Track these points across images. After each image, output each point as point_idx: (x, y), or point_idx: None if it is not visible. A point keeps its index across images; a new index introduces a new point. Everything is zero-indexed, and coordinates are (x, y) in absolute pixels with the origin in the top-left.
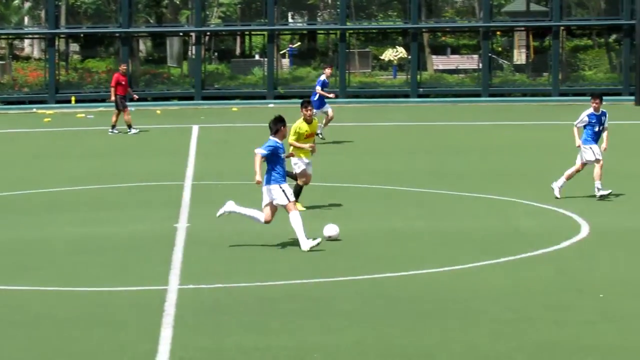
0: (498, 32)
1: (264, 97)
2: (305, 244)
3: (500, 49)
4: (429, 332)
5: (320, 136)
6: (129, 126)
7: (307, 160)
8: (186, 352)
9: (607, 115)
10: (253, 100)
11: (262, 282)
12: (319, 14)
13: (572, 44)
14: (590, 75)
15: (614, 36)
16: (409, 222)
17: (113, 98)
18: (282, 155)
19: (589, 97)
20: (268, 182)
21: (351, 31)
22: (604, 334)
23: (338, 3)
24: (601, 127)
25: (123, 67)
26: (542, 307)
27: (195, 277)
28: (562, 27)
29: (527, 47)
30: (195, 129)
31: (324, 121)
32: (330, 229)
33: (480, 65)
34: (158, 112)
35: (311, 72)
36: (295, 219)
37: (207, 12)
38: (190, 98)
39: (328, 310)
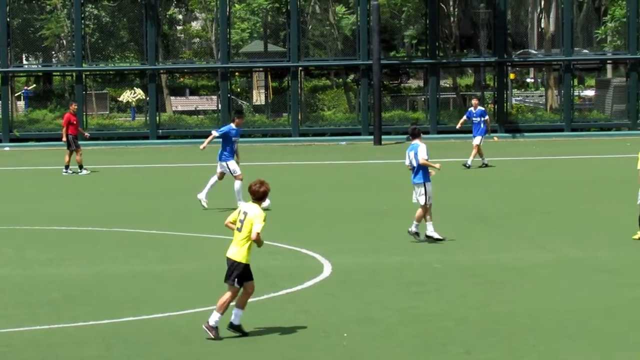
0: (237, 73)
1: None
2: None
3: (239, 89)
4: None
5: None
6: (80, 167)
7: None
8: None
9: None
10: None
11: (1, 329)
12: (55, 56)
13: (311, 84)
14: (329, 115)
15: (351, 76)
16: (148, 265)
17: (65, 139)
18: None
19: (331, 137)
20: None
21: (88, 73)
22: None
23: (74, 45)
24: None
25: (74, 107)
26: (286, 347)
27: None
28: (300, 68)
29: (266, 87)
30: None
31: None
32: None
33: (220, 106)
34: None
35: (47, 114)
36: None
37: None
38: None
39: (72, 357)
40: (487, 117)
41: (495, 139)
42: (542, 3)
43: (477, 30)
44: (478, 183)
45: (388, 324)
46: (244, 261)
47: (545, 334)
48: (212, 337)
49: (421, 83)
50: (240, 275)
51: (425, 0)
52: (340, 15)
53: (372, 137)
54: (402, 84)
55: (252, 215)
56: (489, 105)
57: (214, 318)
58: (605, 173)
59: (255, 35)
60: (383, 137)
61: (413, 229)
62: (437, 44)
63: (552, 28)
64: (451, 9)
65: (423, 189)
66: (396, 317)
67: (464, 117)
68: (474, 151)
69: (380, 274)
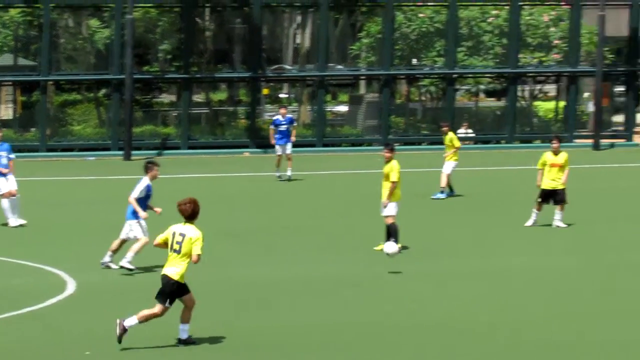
0: None
1: None
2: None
3: None
4: None
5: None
6: None
7: None
8: None
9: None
10: None
11: None
12: None
13: (61, 98)
14: (79, 130)
15: (103, 91)
16: None
17: None
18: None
19: (80, 152)
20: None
21: None
22: None
23: None
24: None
25: None
26: None
27: None
28: (50, 82)
29: (14, 101)
30: None
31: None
32: (391, 246)
33: None
34: None
35: None
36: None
37: None
38: None
39: None
40: (295, 125)
41: (246, 154)
42: (299, 19)
43: (232, 45)
44: (225, 199)
45: (129, 342)
46: (181, 280)
47: (287, 352)
48: (117, 334)
49: (174, 98)
50: (172, 294)
51: (180, 15)
52: (94, 29)
53: (122, 152)
54: (154, 99)
55: (191, 236)
56: (241, 121)
57: (130, 322)
58: (357, 188)
59: (6, 49)
60: (133, 152)
61: (107, 258)
62: (191, 59)
63: (307, 43)
64: (207, 23)
65: (136, 226)
66: (136, 333)
67: (271, 127)
68: (289, 162)
69: (127, 291)
